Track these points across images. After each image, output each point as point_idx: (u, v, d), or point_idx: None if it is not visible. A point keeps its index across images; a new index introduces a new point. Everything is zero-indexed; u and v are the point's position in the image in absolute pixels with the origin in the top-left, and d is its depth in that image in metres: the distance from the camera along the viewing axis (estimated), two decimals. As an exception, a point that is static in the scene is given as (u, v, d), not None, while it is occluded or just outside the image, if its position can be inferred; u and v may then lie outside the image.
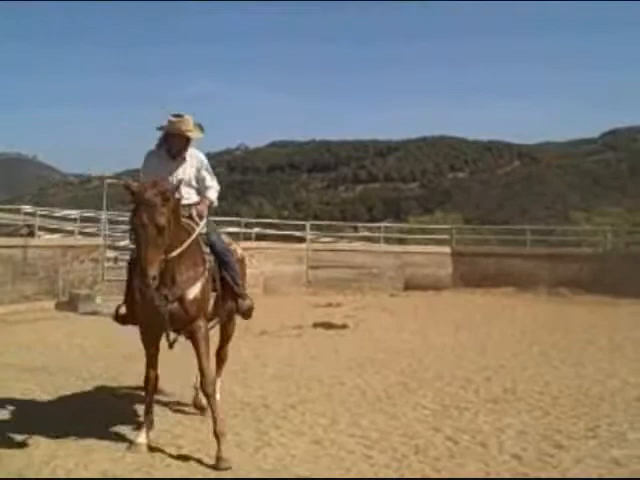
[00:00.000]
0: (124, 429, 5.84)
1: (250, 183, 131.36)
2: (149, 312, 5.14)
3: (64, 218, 20.61)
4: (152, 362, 5.51)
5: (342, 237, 26.73)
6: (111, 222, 18.32)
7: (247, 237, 22.97)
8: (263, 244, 21.81)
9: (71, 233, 19.32)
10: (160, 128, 5.73)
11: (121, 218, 19.75)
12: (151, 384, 5.52)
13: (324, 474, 4.91)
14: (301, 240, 23.07)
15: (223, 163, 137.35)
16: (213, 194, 5.94)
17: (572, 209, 79.65)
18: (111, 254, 17.69)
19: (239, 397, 7.16)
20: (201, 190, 5.89)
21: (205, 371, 5.28)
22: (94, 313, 14.06)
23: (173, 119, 5.63)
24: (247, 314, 6.16)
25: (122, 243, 17.89)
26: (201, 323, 5.33)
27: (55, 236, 18.48)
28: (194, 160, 5.84)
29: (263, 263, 20.19)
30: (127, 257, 5.91)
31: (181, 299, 5.13)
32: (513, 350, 10.18)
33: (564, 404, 7.04)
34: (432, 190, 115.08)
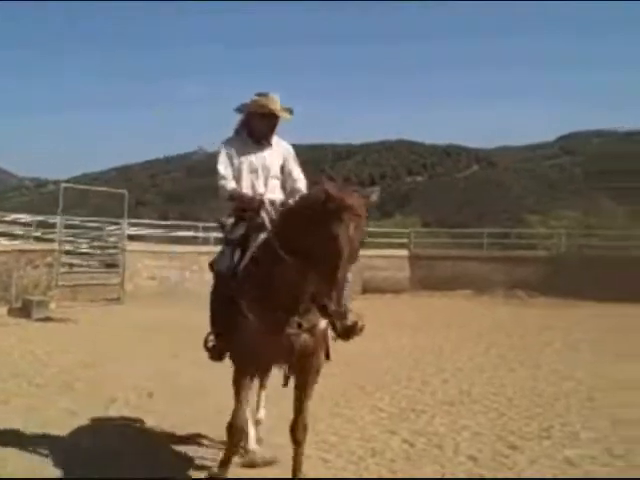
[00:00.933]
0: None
1: (208, 187, 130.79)
2: (268, 343, 4.11)
3: (15, 222, 20.23)
4: (243, 405, 4.44)
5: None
6: (66, 227, 18.07)
7: (205, 241, 22.82)
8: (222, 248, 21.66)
9: (25, 238, 18.97)
10: (239, 110, 4.94)
11: (75, 222, 19.55)
12: (239, 433, 4.52)
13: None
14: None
15: (181, 167, 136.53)
16: (305, 189, 4.93)
17: (528, 212, 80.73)
18: (66, 259, 17.46)
19: (196, 404, 7.09)
20: (288, 184, 5.01)
21: (306, 415, 4.60)
22: (48, 319, 13.81)
23: (259, 97, 4.82)
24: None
25: (82, 248, 17.75)
26: (322, 357, 4.55)
27: (8, 241, 18.13)
28: (281, 148, 5.02)
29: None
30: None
31: (313, 328, 4.22)
32: (470, 353, 10.27)
33: (519, 405, 7.12)
34: (391, 194, 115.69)
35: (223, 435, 5.80)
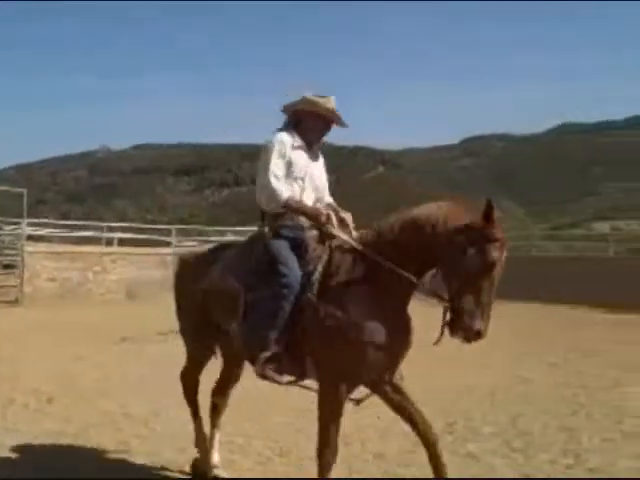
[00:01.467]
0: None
1: (113, 186, 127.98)
2: (386, 352, 4.07)
3: None
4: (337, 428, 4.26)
5: (209, 242, 26.51)
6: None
7: (109, 242, 22.37)
8: (126, 249, 21.30)
9: None
10: (286, 109, 4.55)
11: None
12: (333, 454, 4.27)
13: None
14: (166, 245, 22.69)
15: (84, 166, 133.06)
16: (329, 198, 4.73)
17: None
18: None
19: (99, 406, 6.94)
20: (321, 193, 4.69)
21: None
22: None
23: (316, 97, 4.40)
24: None
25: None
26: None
27: None
28: (320, 154, 4.73)
29: (126, 268, 19.70)
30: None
31: None
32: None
33: (424, 402, 7.23)
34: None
35: (128, 439, 5.74)
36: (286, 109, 4.52)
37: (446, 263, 3.82)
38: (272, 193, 4.27)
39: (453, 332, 3.84)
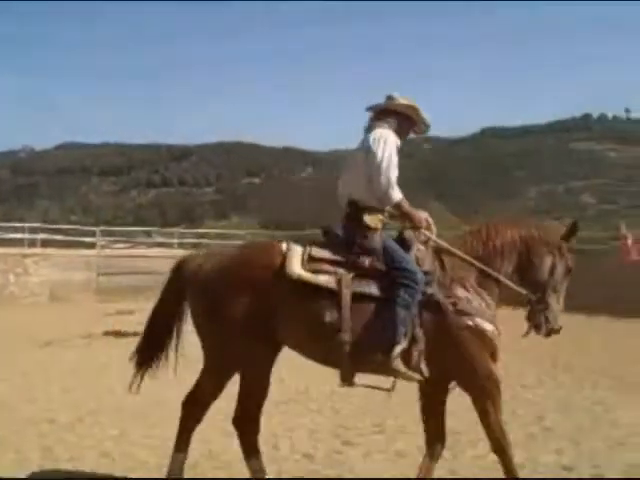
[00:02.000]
0: None
1: (36, 186, 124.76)
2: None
3: None
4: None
5: (135, 243, 26.10)
6: None
7: (32, 243, 21.79)
8: (49, 250, 20.80)
9: None
10: (373, 108, 4.57)
11: None
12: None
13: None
14: (91, 246, 22.24)
15: (6, 165, 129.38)
16: None
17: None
18: None
19: (22, 412, 6.74)
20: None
21: None
22: None
23: (409, 100, 4.52)
24: None
25: None
26: None
27: None
28: None
29: (50, 270, 19.22)
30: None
31: None
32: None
33: (353, 402, 7.32)
34: (227, 195, 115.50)
35: (53, 445, 5.60)
36: (375, 108, 4.54)
37: (538, 271, 4.48)
38: (392, 190, 4.28)
39: (539, 329, 4.54)
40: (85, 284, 20.21)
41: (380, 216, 4.32)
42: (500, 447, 4.34)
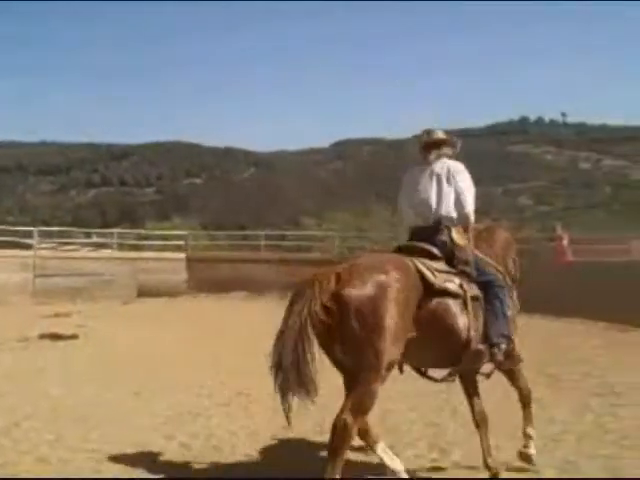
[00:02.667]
0: None
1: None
2: None
3: None
4: None
5: (73, 243, 25.60)
6: None
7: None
8: (-16, 251, 20.23)
9: None
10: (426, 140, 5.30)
11: None
12: None
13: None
14: (28, 247, 21.75)
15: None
16: None
17: (304, 215, 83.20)
18: None
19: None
20: None
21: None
22: None
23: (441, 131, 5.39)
24: None
25: None
26: None
27: None
28: None
29: (-16, 272, 18.74)
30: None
31: None
32: (246, 353, 10.33)
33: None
34: (168, 196, 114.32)
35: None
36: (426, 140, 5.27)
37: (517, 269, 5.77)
38: (472, 211, 5.08)
39: None
40: (21, 286, 19.76)
41: (462, 232, 5.04)
42: (527, 401, 5.54)
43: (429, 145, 5.21)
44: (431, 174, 5.07)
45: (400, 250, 4.94)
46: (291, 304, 4.38)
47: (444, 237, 4.92)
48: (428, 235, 4.92)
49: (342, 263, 4.44)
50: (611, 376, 8.47)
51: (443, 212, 4.96)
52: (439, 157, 5.16)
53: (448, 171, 5.04)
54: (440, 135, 5.25)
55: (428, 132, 5.26)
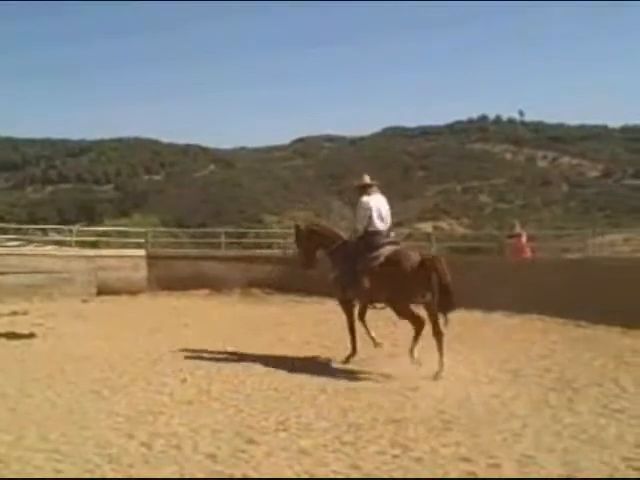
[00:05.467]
0: None
1: None
2: None
3: None
4: None
5: (30, 241, 25.17)
6: None
7: None
8: (-64, 249, 19.78)
9: None
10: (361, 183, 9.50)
11: None
12: None
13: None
14: (-18, 245, 21.32)
15: None
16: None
17: (265, 212, 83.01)
18: None
19: None
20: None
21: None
22: None
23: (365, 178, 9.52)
24: None
25: None
26: None
27: None
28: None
29: None
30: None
31: None
32: (209, 351, 10.29)
33: (256, 400, 7.30)
34: (127, 192, 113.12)
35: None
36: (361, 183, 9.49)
37: None
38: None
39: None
40: (-24, 284, 19.36)
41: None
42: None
43: (368, 185, 9.36)
44: (380, 200, 9.27)
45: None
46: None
47: (392, 233, 9.45)
48: (388, 233, 9.28)
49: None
50: (569, 372, 8.60)
51: (389, 222, 9.31)
52: (375, 192, 9.31)
53: (383, 200, 9.38)
54: (368, 180, 9.41)
55: (364, 178, 9.48)
